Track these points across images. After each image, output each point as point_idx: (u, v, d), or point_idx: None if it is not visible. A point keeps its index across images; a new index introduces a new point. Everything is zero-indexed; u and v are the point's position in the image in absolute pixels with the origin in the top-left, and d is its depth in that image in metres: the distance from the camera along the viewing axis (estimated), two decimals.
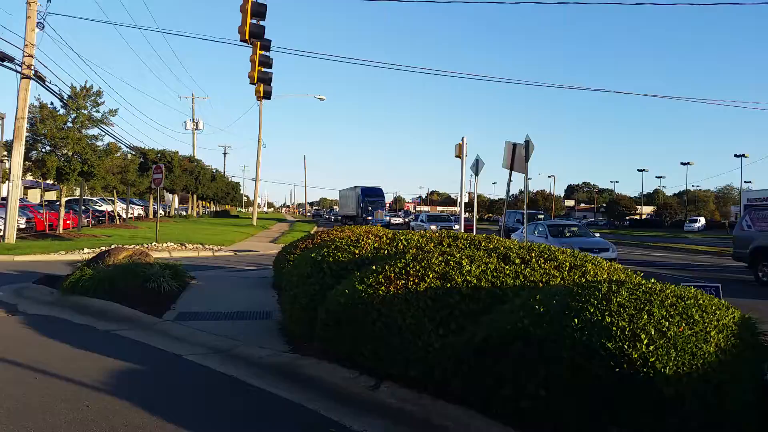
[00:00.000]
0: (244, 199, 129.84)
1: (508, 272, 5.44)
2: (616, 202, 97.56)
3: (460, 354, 4.47)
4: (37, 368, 5.74)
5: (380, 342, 5.18)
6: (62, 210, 25.60)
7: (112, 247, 12.67)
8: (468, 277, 5.33)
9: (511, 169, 13.39)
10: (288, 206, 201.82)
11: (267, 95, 16.04)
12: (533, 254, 5.89)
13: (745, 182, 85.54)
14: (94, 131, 25.31)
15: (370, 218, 51.17)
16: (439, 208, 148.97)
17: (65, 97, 23.28)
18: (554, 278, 5.45)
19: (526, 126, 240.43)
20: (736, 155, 77.91)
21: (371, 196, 58.71)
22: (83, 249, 18.81)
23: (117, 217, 37.34)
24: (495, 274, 5.41)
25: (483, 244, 7.01)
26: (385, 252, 6.91)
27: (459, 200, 16.58)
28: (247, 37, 13.73)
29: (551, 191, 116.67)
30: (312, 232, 13.67)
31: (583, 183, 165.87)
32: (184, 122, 62.45)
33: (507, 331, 4.22)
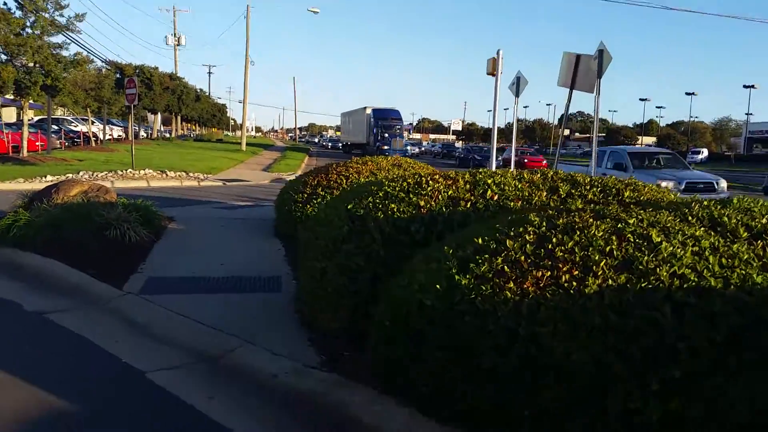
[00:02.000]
0: (231, 122, 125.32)
1: (744, 256, 2.91)
2: (617, 132, 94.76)
3: None
4: None
5: (520, 392, 2.71)
6: (25, 129, 22.51)
7: (66, 178, 10.03)
8: (677, 268, 2.81)
9: (572, 87, 10.68)
10: (276, 131, 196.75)
11: None
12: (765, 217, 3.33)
13: (745, 114, 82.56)
14: (59, 39, 21.95)
15: (386, 147, 41.62)
16: (432, 136, 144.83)
17: None
18: None
19: (513, 55, 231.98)
20: (745, 86, 75.13)
21: (386, 119, 46.24)
22: (46, 176, 16.05)
23: (93, 139, 34.17)
24: (724, 261, 2.88)
25: (627, 194, 4.47)
26: (468, 205, 4.34)
27: (492, 128, 13.90)
28: None
29: (548, 120, 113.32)
30: (319, 164, 11.05)
31: (578, 112, 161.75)
32: (165, 37, 57.96)
33: None
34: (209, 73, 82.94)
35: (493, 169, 14.60)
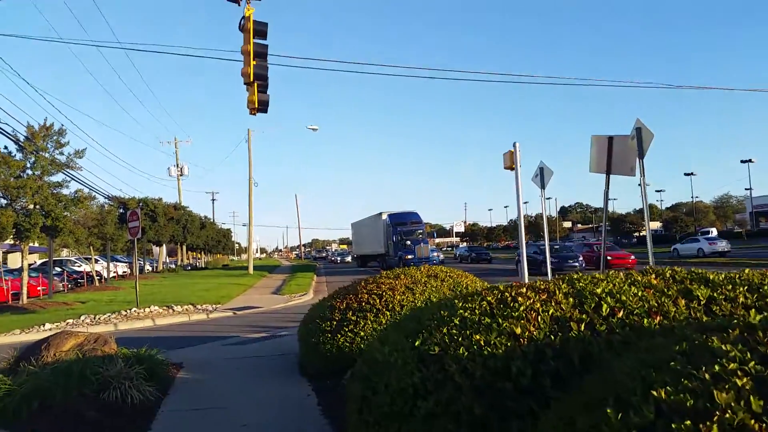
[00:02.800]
0: (236, 246, 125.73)
1: None
2: (622, 219, 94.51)
3: None
4: None
5: None
6: (25, 274, 21.60)
7: (65, 324, 8.91)
8: None
9: (609, 172, 9.80)
10: (281, 251, 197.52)
11: (263, 106, 12.48)
12: None
13: (745, 189, 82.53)
14: (59, 177, 21.61)
15: (410, 257, 35.69)
16: (436, 240, 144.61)
17: (21, 140, 19.63)
18: None
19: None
20: (742, 161, 75.46)
21: (405, 224, 40.18)
22: (44, 324, 14.87)
23: (96, 278, 33.31)
24: None
25: None
26: (582, 328, 3.20)
27: (519, 223, 12.96)
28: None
29: (549, 214, 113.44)
30: (333, 282, 9.99)
31: (576, 204, 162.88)
32: (168, 168, 58.74)
33: None
34: (213, 200, 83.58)
35: (526, 275, 13.49)
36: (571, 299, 3.47)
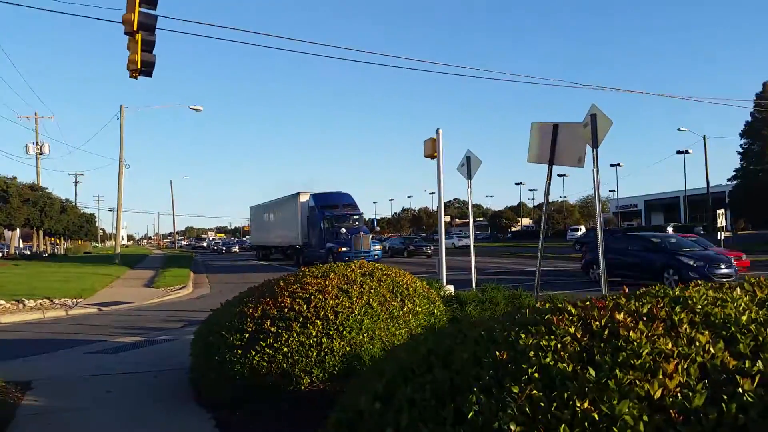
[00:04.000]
0: (100, 232, 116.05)
1: None
2: (499, 215, 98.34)
3: None
4: None
5: None
6: None
7: None
8: None
9: (552, 162, 8.82)
10: (150, 238, 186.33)
11: (147, 68, 10.36)
12: None
13: (610, 191, 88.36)
14: None
15: (344, 249, 28.65)
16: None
17: None
18: None
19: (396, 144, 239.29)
20: (611, 165, 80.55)
21: (336, 207, 32.09)
22: None
23: None
24: None
25: None
26: (754, 386, 1.89)
27: (439, 216, 11.81)
28: None
29: (433, 208, 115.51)
30: (223, 278, 8.25)
31: (454, 199, 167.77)
32: (26, 145, 52.13)
33: None
34: (75, 182, 76.05)
35: (444, 273, 12.21)
36: (706, 332, 2.15)
